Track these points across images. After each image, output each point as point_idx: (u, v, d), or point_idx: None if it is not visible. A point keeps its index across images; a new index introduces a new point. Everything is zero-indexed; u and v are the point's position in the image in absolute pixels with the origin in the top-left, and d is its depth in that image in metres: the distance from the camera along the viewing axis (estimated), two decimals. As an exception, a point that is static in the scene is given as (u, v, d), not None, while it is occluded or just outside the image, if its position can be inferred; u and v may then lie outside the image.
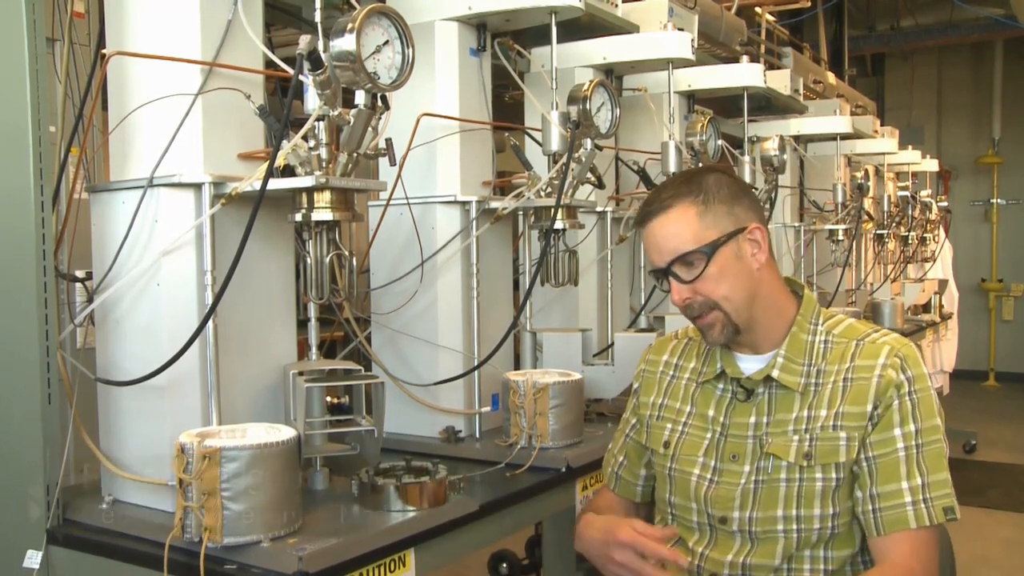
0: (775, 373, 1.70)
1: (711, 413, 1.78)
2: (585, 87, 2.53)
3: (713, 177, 1.74)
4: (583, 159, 2.56)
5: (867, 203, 5.46)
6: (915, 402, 1.64)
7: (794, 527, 1.65)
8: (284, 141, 1.76)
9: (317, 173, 1.78)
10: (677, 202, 1.70)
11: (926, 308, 6.96)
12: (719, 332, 1.71)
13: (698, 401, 1.81)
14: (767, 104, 4.52)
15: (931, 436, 1.63)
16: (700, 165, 3.17)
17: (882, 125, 6.83)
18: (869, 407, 1.64)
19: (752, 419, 1.72)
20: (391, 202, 2.48)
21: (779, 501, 1.66)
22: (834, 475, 1.64)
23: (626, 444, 1.97)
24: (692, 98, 3.89)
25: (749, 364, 1.76)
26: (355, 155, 1.85)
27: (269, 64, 1.99)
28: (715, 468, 1.74)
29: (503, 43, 2.73)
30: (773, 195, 4.02)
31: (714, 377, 1.79)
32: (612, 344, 2.93)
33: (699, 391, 1.82)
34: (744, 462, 1.71)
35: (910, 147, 6.84)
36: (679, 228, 1.68)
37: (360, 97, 1.81)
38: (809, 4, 7.31)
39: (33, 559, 1.88)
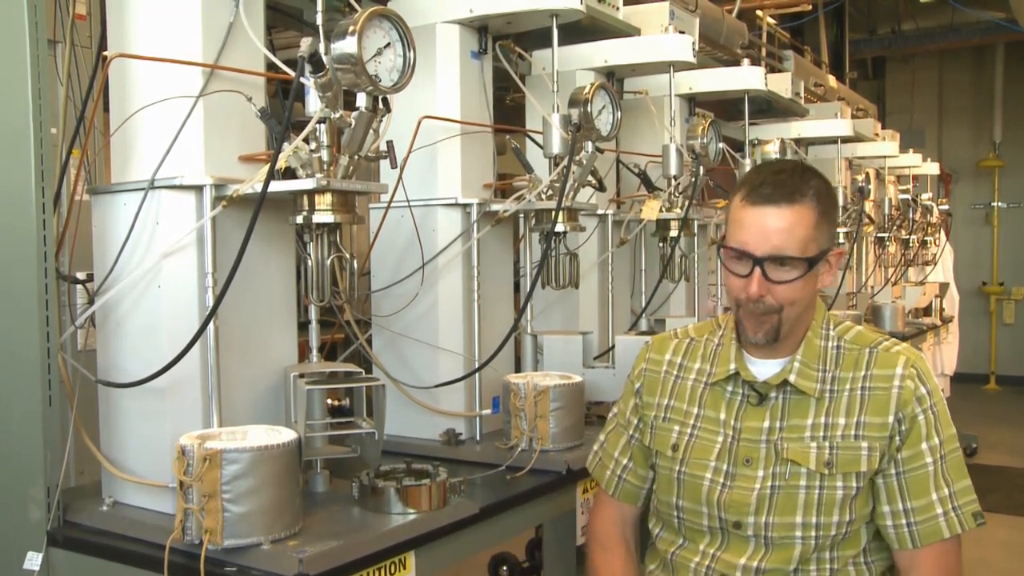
0: (792, 378, 1.70)
1: (722, 416, 1.77)
2: (586, 90, 2.53)
3: (824, 185, 1.70)
4: (584, 162, 2.56)
5: (868, 206, 5.47)
6: (936, 414, 1.67)
7: (812, 534, 1.66)
8: (285, 143, 1.76)
9: (318, 175, 1.78)
10: (801, 200, 1.63)
11: (927, 311, 6.96)
12: (764, 334, 1.68)
13: (707, 403, 1.80)
14: (768, 107, 4.52)
15: (951, 445, 1.68)
16: (701, 169, 3.17)
17: (883, 128, 6.83)
18: (890, 418, 1.66)
19: (766, 423, 1.72)
20: (392, 204, 2.48)
21: (798, 508, 1.66)
22: (855, 484, 1.65)
23: (631, 446, 1.93)
24: (693, 101, 3.89)
25: (763, 368, 1.75)
26: (356, 157, 1.85)
27: (270, 66, 1.99)
28: (728, 472, 1.73)
29: (504, 46, 2.73)
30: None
31: (724, 379, 1.78)
32: (613, 347, 2.93)
33: (707, 393, 1.81)
34: (758, 467, 1.70)
35: (911, 150, 6.84)
36: (793, 228, 1.62)
37: (361, 99, 1.81)
38: (810, 7, 7.32)
39: (33, 561, 1.88)
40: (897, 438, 1.66)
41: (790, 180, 1.66)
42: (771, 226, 1.63)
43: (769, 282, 1.64)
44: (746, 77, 3.79)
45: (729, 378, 1.78)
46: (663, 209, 3.10)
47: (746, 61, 3.92)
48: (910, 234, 6.59)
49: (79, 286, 2.24)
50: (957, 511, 1.65)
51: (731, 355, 1.78)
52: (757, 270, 1.64)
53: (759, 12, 6.30)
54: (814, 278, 1.68)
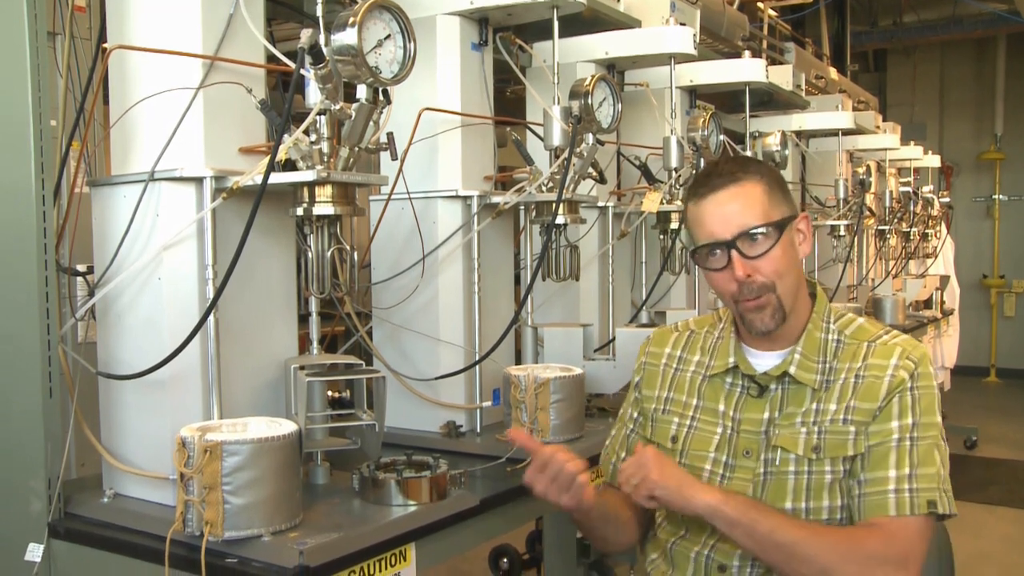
0: (792, 370, 1.70)
1: (721, 408, 1.77)
2: (587, 82, 2.53)
3: (765, 165, 1.74)
4: (584, 154, 2.56)
5: (869, 199, 5.46)
6: (916, 397, 1.64)
7: (802, 519, 1.66)
8: (285, 135, 1.76)
9: (318, 167, 1.78)
10: (745, 177, 1.67)
11: (927, 304, 6.95)
12: (770, 317, 1.67)
13: (706, 395, 1.80)
14: (769, 99, 4.51)
15: (927, 432, 1.63)
16: (703, 161, 3.17)
17: (884, 121, 6.81)
18: (878, 404, 1.64)
19: (765, 415, 1.72)
20: (392, 196, 2.48)
21: (788, 493, 1.66)
22: (842, 468, 1.65)
23: (628, 440, 1.95)
24: (694, 93, 3.89)
25: (762, 360, 1.75)
26: (356, 149, 1.85)
27: (270, 58, 1.98)
28: (727, 464, 1.73)
29: (505, 37, 2.73)
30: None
31: (723, 371, 1.79)
32: (613, 339, 2.93)
33: (706, 384, 1.81)
34: (757, 457, 1.71)
35: (912, 143, 6.83)
36: (749, 202, 1.66)
37: (361, 91, 1.80)
38: (811, -1, 7.30)
39: (35, 552, 1.88)
40: (873, 418, 1.65)
41: (727, 166, 1.71)
42: (728, 209, 1.66)
43: (749, 260, 1.66)
44: (747, 69, 3.78)
45: (728, 371, 1.78)
46: (664, 201, 3.09)
47: (747, 53, 3.92)
48: (911, 227, 6.58)
49: (79, 278, 2.24)
50: (912, 492, 1.58)
51: (730, 348, 1.78)
52: (733, 253, 1.66)
53: (760, 4, 6.28)
54: (790, 246, 1.69)
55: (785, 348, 1.73)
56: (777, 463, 1.68)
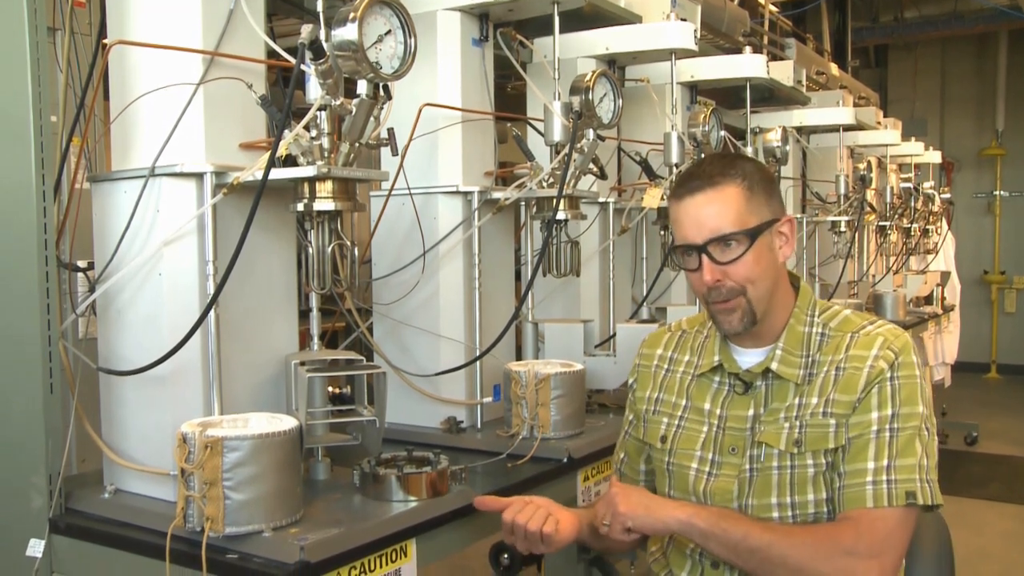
0: (774, 366, 1.71)
1: (707, 406, 1.78)
2: (587, 77, 2.53)
3: (751, 164, 1.73)
4: (585, 149, 2.56)
5: (869, 195, 5.46)
6: (896, 387, 1.63)
7: (789, 513, 1.66)
8: (286, 131, 1.75)
9: (319, 163, 1.77)
10: (724, 181, 1.66)
11: (928, 300, 6.95)
12: (738, 320, 1.69)
13: (693, 394, 1.81)
14: (770, 95, 4.50)
15: (908, 422, 1.61)
16: (703, 156, 3.16)
17: (885, 117, 6.80)
18: (857, 395, 1.63)
19: (750, 411, 1.72)
20: (393, 192, 2.48)
21: (773, 488, 1.67)
22: (824, 460, 1.65)
23: (626, 441, 1.98)
24: (695, 89, 3.88)
25: (747, 357, 1.76)
26: (357, 145, 1.84)
27: (271, 54, 1.98)
28: (713, 461, 1.74)
29: (505, 33, 2.72)
30: (775, 186, 4.01)
31: (710, 370, 1.79)
32: (614, 335, 2.93)
33: (694, 384, 1.82)
34: (743, 454, 1.71)
35: (913, 139, 6.82)
36: (723, 207, 1.65)
37: (362, 87, 1.80)
38: (812, -6, 7.28)
39: (36, 548, 1.88)
40: (853, 409, 1.64)
41: (710, 167, 1.70)
42: (702, 213, 1.67)
43: (719, 265, 1.66)
44: (748, 65, 3.77)
45: (715, 369, 1.79)
46: (664, 197, 3.09)
47: (748, 49, 3.90)
48: (912, 223, 6.57)
49: (80, 274, 2.24)
50: (890, 484, 1.57)
51: (715, 347, 1.80)
52: (704, 257, 1.67)
53: (761, 0, 6.27)
54: (767, 251, 1.69)
55: (768, 344, 1.74)
56: (761, 459, 1.68)
